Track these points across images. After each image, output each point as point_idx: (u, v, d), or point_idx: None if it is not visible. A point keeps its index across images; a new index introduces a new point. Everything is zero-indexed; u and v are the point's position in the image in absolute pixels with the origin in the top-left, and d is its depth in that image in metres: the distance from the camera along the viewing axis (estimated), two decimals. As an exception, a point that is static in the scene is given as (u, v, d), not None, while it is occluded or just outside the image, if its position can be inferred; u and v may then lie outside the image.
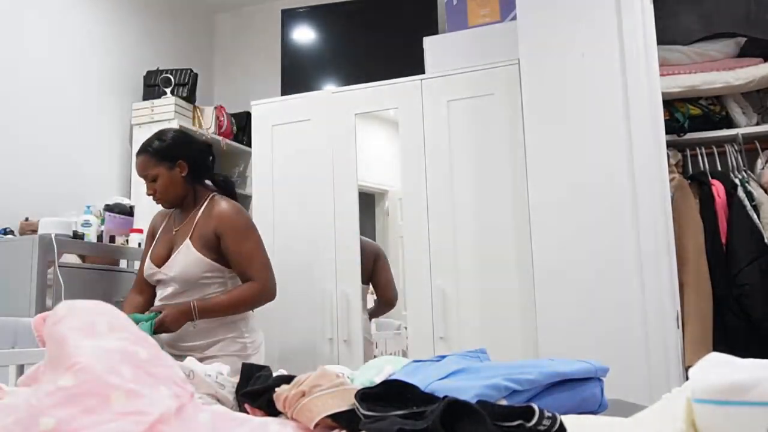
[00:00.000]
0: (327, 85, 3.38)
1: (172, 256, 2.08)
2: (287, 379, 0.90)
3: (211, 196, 2.14)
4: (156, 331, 1.96)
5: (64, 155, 3.09)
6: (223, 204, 2.10)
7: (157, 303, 2.13)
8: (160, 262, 2.11)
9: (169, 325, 1.97)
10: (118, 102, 3.46)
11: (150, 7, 3.75)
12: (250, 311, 2.18)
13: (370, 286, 3.05)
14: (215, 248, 2.05)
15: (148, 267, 2.15)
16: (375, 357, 2.87)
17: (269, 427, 0.78)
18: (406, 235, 2.82)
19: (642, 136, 2.27)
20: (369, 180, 3.13)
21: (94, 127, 3.30)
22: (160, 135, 2.14)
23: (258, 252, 2.06)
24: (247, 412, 0.89)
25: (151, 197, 2.14)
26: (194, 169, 2.13)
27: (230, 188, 2.29)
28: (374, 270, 3.04)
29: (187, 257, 2.03)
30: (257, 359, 2.12)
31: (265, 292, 2.06)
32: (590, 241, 2.31)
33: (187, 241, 2.05)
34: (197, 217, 2.08)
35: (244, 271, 2.05)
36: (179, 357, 2.01)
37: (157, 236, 2.20)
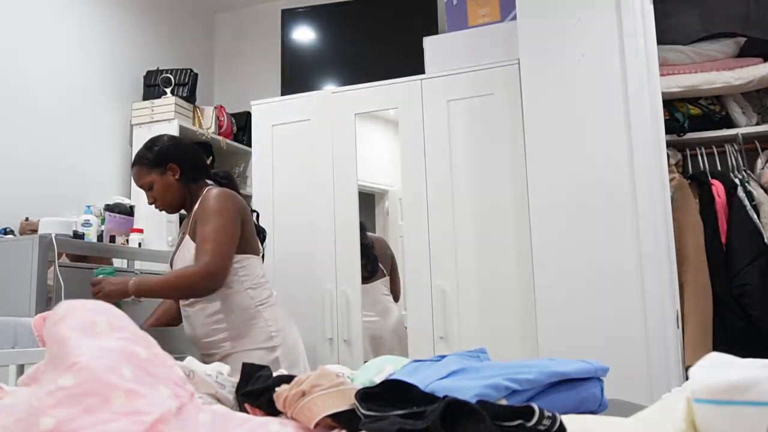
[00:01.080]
0: (327, 85, 3.38)
1: (176, 254, 2.12)
2: (287, 379, 0.90)
3: (206, 189, 2.11)
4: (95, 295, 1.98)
5: (64, 155, 3.09)
6: (212, 191, 2.07)
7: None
8: (171, 263, 2.16)
9: (103, 289, 1.97)
10: (118, 102, 3.46)
11: (150, 7, 3.75)
12: (270, 298, 2.12)
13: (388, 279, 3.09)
14: None
15: (168, 271, 2.21)
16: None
17: (269, 427, 0.78)
18: (406, 235, 2.82)
19: (642, 136, 2.27)
20: (369, 180, 3.13)
21: (94, 127, 3.30)
22: (149, 144, 2.16)
23: (212, 235, 1.95)
24: (248, 412, 0.89)
25: (153, 206, 2.16)
26: (187, 171, 2.13)
27: (232, 183, 2.28)
28: (392, 266, 3.07)
29: (187, 251, 2.04)
30: (287, 350, 2.07)
31: (201, 277, 1.92)
32: (590, 241, 2.31)
33: (186, 236, 2.07)
34: (194, 212, 2.09)
35: (196, 253, 1.99)
36: (207, 356, 2.06)
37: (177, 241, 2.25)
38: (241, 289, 2.05)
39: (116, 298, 1.98)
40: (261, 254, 2.20)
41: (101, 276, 2.06)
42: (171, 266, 2.17)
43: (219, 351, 2.05)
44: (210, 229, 1.95)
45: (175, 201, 2.14)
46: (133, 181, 2.18)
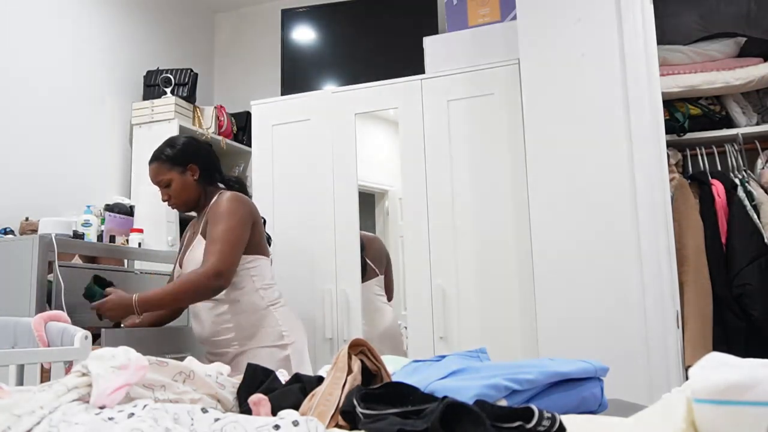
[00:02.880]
0: (327, 84, 3.38)
1: (186, 254, 2.13)
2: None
3: (219, 192, 2.17)
4: (99, 314, 1.97)
5: (64, 155, 3.09)
6: (225, 194, 2.11)
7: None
8: (181, 263, 2.17)
9: (106, 313, 1.96)
10: (118, 102, 3.45)
11: (150, 7, 3.75)
12: (280, 299, 2.16)
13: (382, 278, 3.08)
14: None
15: (176, 271, 2.22)
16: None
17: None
18: (406, 235, 2.82)
19: (642, 136, 2.27)
20: (369, 180, 3.13)
21: (94, 127, 3.30)
22: (170, 142, 2.19)
23: (222, 236, 1.97)
24: (249, 412, 0.89)
25: (166, 203, 2.18)
26: (205, 172, 2.18)
27: (243, 188, 2.32)
28: (387, 265, 3.06)
29: (198, 251, 2.05)
30: (296, 349, 2.10)
31: (209, 277, 1.93)
32: (590, 240, 2.31)
33: (198, 236, 2.09)
34: (206, 213, 2.12)
35: (204, 254, 2.00)
36: (216, 355, 2.07)
37: (184, 242, 2.25)
38: (252, 289, 2.08)
39: (121, 318, 2.00)
40: (270, 257, 2.24)
41: (103, 294, 2.02)
42: (180, 266, 2.18)
43: (229, 350, 2.07)
44: (220, 230, 1.98)
45: (191, 200, 2.17)
46: (149, 177, 2.17)
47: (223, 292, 2.03)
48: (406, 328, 2.88)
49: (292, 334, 2.11)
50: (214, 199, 2.14)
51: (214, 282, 1.94)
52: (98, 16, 3.39)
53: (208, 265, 1.94)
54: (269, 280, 2.15)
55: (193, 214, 2.30)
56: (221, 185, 2.25)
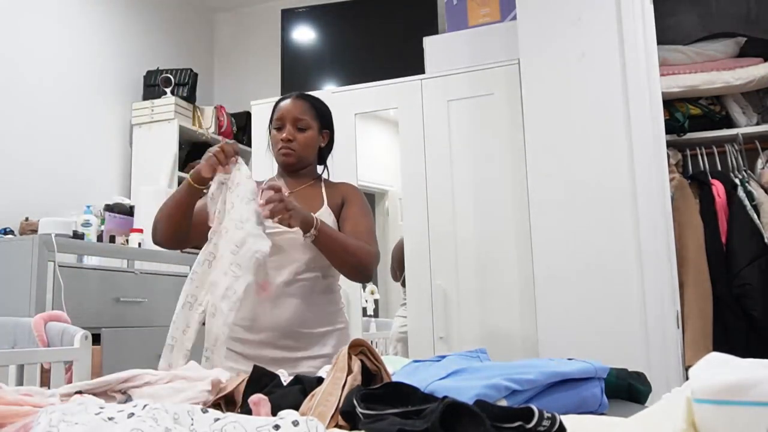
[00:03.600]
0: (327, 85, 3.38)
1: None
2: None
3: (327, 178, 1.95)
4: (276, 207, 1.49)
5: (64, 155, 3.09)
6: (353, 184, 2.00)
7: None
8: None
9: (284, 210, 1.50)
10: (118, 102, 3.46)
11: (150, 7, 3.75)
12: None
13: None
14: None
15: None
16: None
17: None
18: (406, 235, 2.82)
19: (642, 136, 2.27)
20: (369, 180, 3.14)
21: (94, 127, 3.30)
22: (321, 100, 1.95)
23: (370, 228, 1.83)
24: (250, 412, 0.89)
25: (283, 143, 1.80)
26: (328, 147, 1.95)
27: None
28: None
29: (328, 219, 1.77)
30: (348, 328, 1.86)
31: (374, 259, 1.75)
32: (590, 240, 2.31)
33: (326, 207, 1.79)
34: (330, 189, 1.87)
35: (358, 234, 1.76)
36: (295, 343, 1.67)
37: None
38: (338, 286, 1.86)
39: (296, 221, 1.55)
40: None
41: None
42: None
43: (317, 330, 1.72)
44: (368, 222, 1.82)
45: (307, 160, 1.87)
46: (284, 109, 1.82)
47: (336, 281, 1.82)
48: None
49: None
50: (324, 177, 1.93)
51: (373, 267, 1.76)
52: (98, 16, 3.39)
53: (375, 250, 1.76)
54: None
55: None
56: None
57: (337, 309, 1.82)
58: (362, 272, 1.75)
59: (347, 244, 1.69)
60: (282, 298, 1.69)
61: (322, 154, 1.94)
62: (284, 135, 1.80)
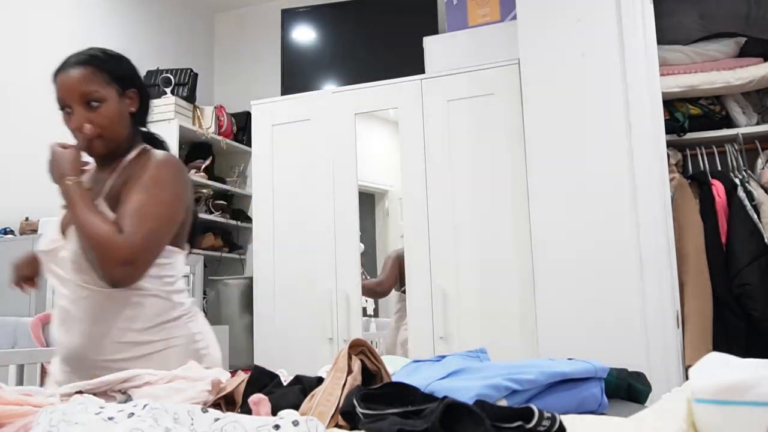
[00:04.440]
0: (327, 84, 3.38)
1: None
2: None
3: (143, 147, 1.50)
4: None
5: (64, 155, 3.08)
6: (159, 154, 1.48)
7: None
8: (65, 230, 1.53)
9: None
10: (118, 102, 3.45)
11: (150, 7, 3.75)
12: (195, 307, 1.51)
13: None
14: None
15: (55, 239, 1.56)
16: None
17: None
18: (406, 235, 2.82)
19: (642, 136, 2.27)
20: (369, 180, 3.14)
21: (94, 127, 3.30)
22: (103, 49, 1.54)
23: (152, 209, 1.36)
24: (250, 412, 0.89)
25: (79, 131, 1.45)
26: (142, 110, 1.52)
27: (169, 152, 1.57)
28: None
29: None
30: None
31: (121, 258, 1.29)
32: (590, 240, 2.31)
33: (101, 199, 1.46)
34: (122, 168, 1.45)
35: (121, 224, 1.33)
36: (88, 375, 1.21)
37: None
38: (163, 293, 1.41)
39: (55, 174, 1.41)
40: (187, 252, 1.54)
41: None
42: (63, 233, 1.51)
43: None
44: (151, 201, 1.35)
45: (119, 137, 1.46)
46: (62, 85, 1.50)
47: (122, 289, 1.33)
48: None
49: (211, 352, 1.48)
50: (134, 153, 1.47)
51: (122, 268, 1.29)
52: (98, 16, 3.38)
53: (127, 239, 1.29)
54: (183, 284, 1.50)
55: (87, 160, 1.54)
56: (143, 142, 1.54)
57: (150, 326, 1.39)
58: (105, 270, 1.30)
59: (91, 227, 1.32)
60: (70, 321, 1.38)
61: (139, 119, 1.52)
62: (73, 123, 1.45)
